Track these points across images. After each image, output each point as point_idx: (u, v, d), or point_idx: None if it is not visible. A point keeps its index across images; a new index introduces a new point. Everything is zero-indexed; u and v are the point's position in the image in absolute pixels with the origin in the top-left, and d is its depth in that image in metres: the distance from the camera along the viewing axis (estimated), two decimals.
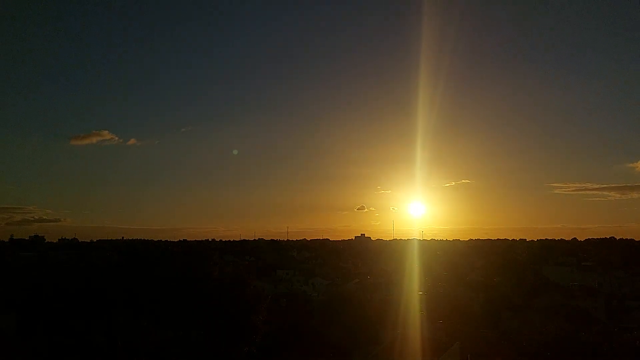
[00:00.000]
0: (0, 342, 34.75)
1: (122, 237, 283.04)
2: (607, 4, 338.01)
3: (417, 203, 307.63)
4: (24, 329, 37.60)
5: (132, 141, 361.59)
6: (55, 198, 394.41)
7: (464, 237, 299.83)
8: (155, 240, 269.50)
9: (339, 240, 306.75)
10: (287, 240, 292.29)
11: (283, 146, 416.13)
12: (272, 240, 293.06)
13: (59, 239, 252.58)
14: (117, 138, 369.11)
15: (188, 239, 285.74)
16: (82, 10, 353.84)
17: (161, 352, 35.81)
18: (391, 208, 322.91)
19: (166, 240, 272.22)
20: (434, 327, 48.82)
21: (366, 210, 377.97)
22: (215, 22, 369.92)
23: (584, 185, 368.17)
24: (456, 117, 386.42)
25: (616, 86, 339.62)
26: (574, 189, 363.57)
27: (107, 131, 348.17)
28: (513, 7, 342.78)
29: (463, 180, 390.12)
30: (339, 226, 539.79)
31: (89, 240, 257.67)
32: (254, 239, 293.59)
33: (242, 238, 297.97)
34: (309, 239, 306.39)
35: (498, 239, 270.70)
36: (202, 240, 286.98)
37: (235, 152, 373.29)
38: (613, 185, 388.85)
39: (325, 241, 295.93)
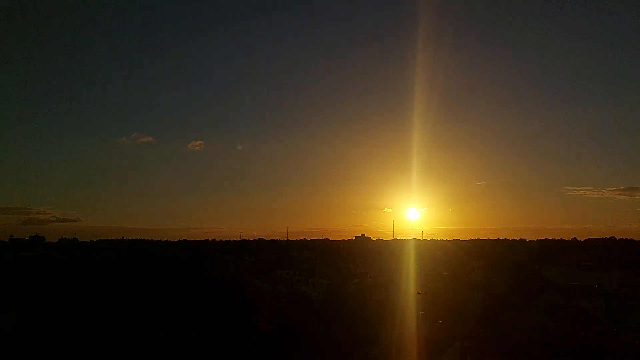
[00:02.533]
0: (0, 340, 34.76)
1: (122, 237, 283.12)
2: (607, 10, 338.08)
3: (422, 205, 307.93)
4: (24, 327, 37.62)
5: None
6: (67, 198, 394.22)
7: (464, 237, 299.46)
8: (155, 240, 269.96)
9: (339, 240, 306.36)
10: (287, 240, 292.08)
11: (284, 148, 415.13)
12: (272, 240, 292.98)
13: (59, 239, 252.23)
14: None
15: (188, 239, 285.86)
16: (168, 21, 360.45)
17: (161, 351, 35.83)
18: (421, 208, 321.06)
19: (166, 240, 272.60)
20: (433, 327, 48.72)
21: (388, 210, 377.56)
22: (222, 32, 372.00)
23: (594, 187, 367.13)
24: (470, 123, 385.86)
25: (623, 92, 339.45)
26: (584, 191, 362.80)
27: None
28: (519, 9, 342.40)
29: (477, 183, 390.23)
30: (348, 226, 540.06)
31: (89, 240, 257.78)
32: (254, 239, 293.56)
33: (242, 238, 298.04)
34: (309, 239, 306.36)
35: (498, 238, 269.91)
36: (202, 240, 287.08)
37: (239, 147, 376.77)
38: (622, 187, 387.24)
39: (325, 241, 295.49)
